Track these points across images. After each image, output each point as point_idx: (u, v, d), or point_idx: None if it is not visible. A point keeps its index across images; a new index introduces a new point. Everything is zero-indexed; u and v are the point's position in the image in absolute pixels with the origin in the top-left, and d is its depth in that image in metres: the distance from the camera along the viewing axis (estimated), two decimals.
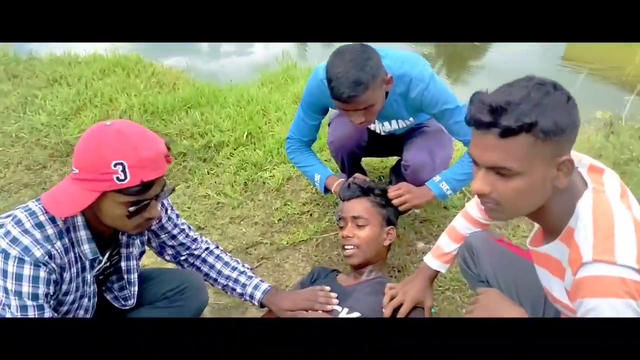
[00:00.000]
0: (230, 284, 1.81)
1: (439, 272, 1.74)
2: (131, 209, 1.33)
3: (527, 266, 1.55)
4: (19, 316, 1.32)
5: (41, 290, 1.33)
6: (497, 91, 1.08)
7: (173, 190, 1.49)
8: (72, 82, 3.80)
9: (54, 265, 1.35)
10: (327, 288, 1.79)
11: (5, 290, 1.30)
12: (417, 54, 2.15)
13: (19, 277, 1.30)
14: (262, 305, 1.80)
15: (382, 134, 2.33)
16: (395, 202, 2.02)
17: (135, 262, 1.64)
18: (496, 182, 1.09)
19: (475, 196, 1.65)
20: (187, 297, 1.77)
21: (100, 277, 1.60)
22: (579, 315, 1.07)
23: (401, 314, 1.69)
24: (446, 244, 1.74)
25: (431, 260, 1.75)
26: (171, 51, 4.78)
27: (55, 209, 1.31)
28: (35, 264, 1.31)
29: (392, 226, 1.96)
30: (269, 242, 2.49)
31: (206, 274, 1.83)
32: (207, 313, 2.08)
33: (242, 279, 1.81)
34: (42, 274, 1.32)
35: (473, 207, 1.70)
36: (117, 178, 1.25)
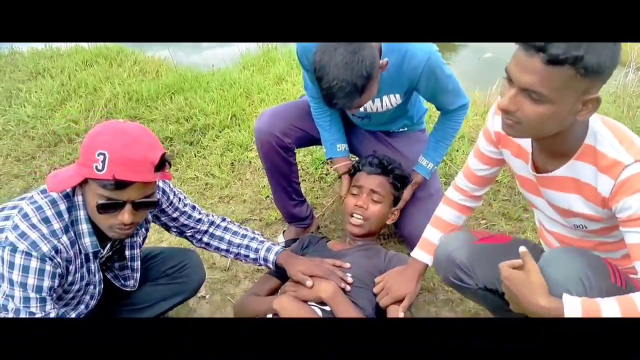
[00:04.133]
0: (242, 251, 1.85)
1: (428, 265, 1.73)
2: (100, 201, 1.35)
3: (509, 249, 1.49)
4: (21, 307, 1.37)
5: (46, 283, 1.37)
6: None
7: (156, 204, 1.48)
8: (55, 74, 3.83)
9: (59, 260, 1.40)
10: (339, 262, 1.82)
11: (11, 281, 1.35)
12: None
13: (25, 269, 1.35)
14: (277, 267, 1.84)
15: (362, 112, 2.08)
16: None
17: (139, 250, 1.70)
18: (524, 103, 1.13)
19: (454, 181, 1.71)
20: (187, 274, 1.85)
21: (102, 265, 1.65)
22: (627, 214, 1.18)
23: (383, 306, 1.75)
24: (433, 235, 1.72)
25: (421, 255, 1.73)
26: (152, 45, 4.71)
27: (49, 184, 1.37)
28: (42, 258, 1.35)
29: (396, 207, 2.06)
30: (258, 219, 2.58)
31: (217, 248, 1.87)
32: (201, 288, 2.16)
33: (254, 244, 1.84)
34: (48, 267, 1.37)
35: (452, 192, 1.72)
36: (96, 167, 1.29)
